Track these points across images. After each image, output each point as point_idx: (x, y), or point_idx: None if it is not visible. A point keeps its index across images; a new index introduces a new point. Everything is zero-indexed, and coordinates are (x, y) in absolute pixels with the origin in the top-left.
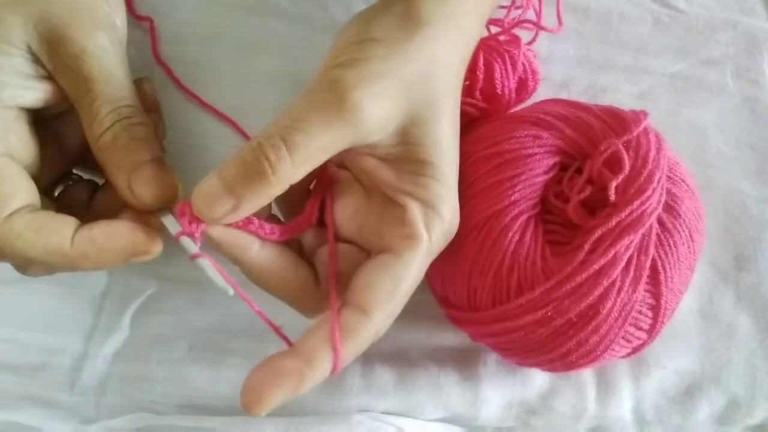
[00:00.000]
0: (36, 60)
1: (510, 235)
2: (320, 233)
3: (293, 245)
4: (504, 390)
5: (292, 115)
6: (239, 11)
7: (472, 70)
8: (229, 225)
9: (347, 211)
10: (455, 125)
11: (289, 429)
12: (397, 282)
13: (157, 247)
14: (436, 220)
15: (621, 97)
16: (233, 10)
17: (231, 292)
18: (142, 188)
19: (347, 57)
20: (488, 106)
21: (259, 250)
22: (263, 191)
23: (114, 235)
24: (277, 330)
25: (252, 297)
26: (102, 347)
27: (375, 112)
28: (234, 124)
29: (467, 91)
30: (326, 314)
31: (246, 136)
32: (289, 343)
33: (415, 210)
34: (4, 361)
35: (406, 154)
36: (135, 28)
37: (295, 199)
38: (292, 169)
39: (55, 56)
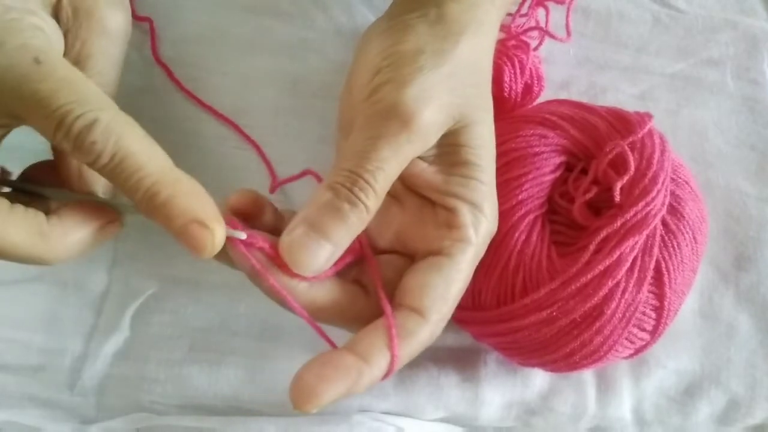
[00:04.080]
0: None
1: (517, 234)
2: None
3: None
4: (504, 390)
5: (362, 151)
6: (239, 11)
7: None
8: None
9: (381, 224)
10: (493, 127)
11: (289, 429)
12: (449, 284)
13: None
14: (483, 220)
15: (621, 97)
16: (233, 10)
17: (244, 235)
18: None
19: (396, 73)
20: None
21: (301, 282)
22: (356, 230)
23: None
24: (322, 333)
25: (249, 295)
26: (102, 347)
27: (435, 125)
28: (233, 125)
29: None
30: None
31: (246, 136)
32: (333, 345)
33: (465, 213)
34: (4, 361)
35: (454, 156)
36: (135, 28)
37: None
38: (378, 201)
39: (76, 22)
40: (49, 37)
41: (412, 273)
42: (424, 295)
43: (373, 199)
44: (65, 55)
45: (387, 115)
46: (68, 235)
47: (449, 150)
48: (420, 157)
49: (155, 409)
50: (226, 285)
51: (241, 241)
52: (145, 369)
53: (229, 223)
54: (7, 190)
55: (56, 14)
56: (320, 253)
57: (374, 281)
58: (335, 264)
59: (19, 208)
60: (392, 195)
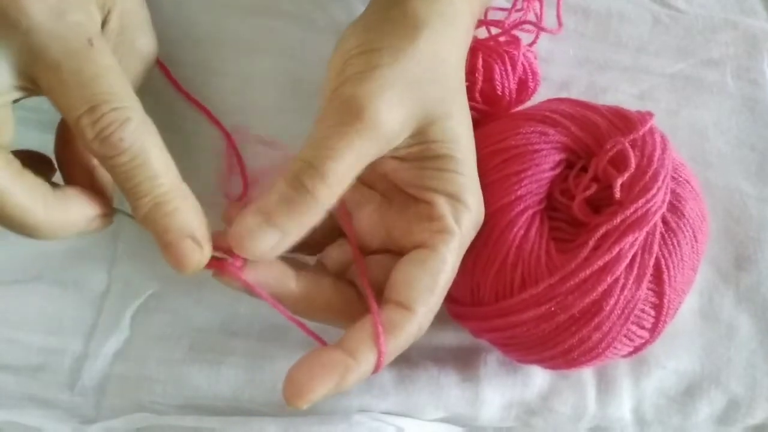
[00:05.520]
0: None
1: (515, 230)
2: (348, 250)
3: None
4: (504, 390)
5: (316, 143)
6: (239, 12)
7: (471, 71)
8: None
9: (370, 221)
10: (468, 118)
11: (289, 429)
12: (435, 276)
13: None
14: (464, 211)
15: (621, 97)
16: (233, 10)
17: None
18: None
19: (354, 71)
20: (488, 108)
21: (297, 283)
22: (306, 220)
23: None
24: (317, 337)
25: (249, 295)
26: (102, 347)
27: (393, 121)
28: (223, 129)
29: (467, 93)
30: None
31: (231, 141)
32: (324, 344)
33: (442, 204)
34: (4, 361)
35: (426, 152)
36: None
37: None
38: (330, 194)
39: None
40: (98, 30)
41: (397, 268)
42: (410, 289)
43: (322, 188)
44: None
45: (342, 108)
46: (69, 212)
47: (422, 147)
48: (395, 157)
49: (155, 409)
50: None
51: (220, 262)
52: (145, 369)
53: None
54: None
55: (103, 26)
56: (267, 239)
57: (362, 280)
58: None
59: (29, 173)
60: (383, 194)
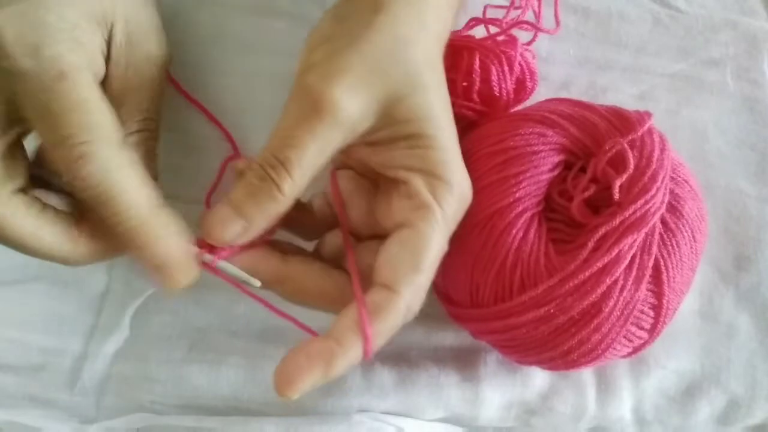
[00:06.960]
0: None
1: (514, 231)
2: (341, 236)
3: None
4: (504, 390)
5: (279, 133)
6: (239, 12)
7: (468, 72)
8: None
9: (362, 209)
10: (443, 96)
11: (289, 429)
12: (416, 254)
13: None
14: (443, 187)
15: (621, 97)
16: (233, 10)
17: (258, 283)
18: None
19: (314, 59)
20: (486, 109)
21: (280, 263)
22: (271, 208)
23: None
24: (308, 329)
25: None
26: (102, 347)
27: (353, 106)
28: (223, 130)
29: (464, 94)
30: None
31: (232, 142)
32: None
33: (417, 181)
34: (4, 361)
35: (395, 133)
36: None
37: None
38: (294, 183)
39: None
40: (89, 56)
41: (381, 250)
42: (392, 270)
43: (287, 180)
44: (112, 81)
45: (301, 98)
46: (95, 240)
47: (391, 130)
48: (366, 142)
49: (155, 409)
50: (226, 285)
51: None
52: (145, 369)
53: (202, 247)
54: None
55: (109, 40)
56: (231, 227)
57: (358, 267)
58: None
59: (51, 210)
60: (371, 180)
